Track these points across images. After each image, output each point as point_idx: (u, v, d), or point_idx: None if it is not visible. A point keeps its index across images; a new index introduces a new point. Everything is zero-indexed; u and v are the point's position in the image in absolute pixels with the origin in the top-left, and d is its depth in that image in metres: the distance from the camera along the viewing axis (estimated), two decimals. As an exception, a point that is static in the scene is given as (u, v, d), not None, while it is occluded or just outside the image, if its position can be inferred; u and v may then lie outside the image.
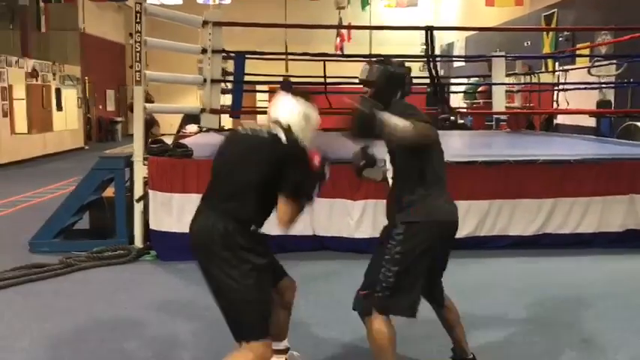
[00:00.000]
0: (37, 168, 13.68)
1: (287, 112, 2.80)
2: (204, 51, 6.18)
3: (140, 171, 5.70)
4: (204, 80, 6.19)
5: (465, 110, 13.31)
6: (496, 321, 4.09)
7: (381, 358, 2.85)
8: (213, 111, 6.22)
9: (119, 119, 23.11)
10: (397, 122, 2.64)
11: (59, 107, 16.83)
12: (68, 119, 17.58)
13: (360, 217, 5.65)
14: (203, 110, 6.23)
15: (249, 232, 2.71)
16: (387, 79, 2.96)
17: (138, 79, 5.63)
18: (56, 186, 10.34)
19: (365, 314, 2.89)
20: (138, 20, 5.55)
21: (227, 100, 7.67)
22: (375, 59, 3.11)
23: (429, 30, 6.39)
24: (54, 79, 16.82)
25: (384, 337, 2.81)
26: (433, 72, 6.32)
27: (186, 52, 7.27)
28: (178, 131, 11.23)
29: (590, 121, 11.24)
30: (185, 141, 6.89)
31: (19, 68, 14.83)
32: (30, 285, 4.87)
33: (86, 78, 20.20)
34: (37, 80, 15.66)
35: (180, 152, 5.73)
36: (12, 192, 9.64)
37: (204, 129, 7.24)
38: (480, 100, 14.96)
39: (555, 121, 12.69)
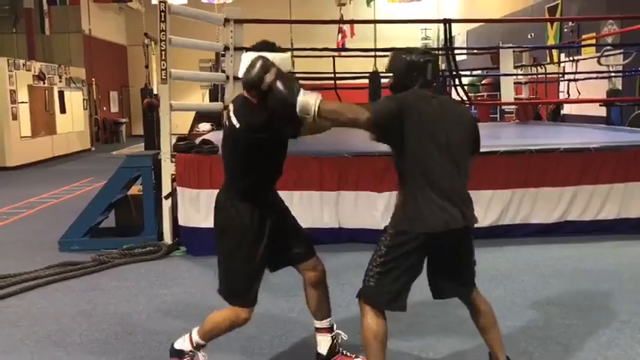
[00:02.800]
0: (48, 170, 13.73)
1: (241, 69, 2.87)
2: (226, 49, 6.24)
3: (168, 168, 5.77)
4: (227, 78, 6.24)
5: (477, 101, 13.29)
6: (531, 305, 4.17)
7: (367, 351, 2.81)
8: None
9: (123, 120, 23.22)
10: (309, 100, 2.60)
11: (62, 110, 16.74)
12: (74, 121, 17.60)
13: (385, 209, 5.70)
14: (226, 107, 6.27)
15: (243, 195, 2.93)
16: (405, 67, 2.86)
17: (164, 77, 5.69)
18: (71, 187, 10.39)
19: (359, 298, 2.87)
20: (163, 19, 5.60)
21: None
22: (400, 48, 3.01)
23: (447, 22, 6.47)
24: (59, 82, 16.85)
25: (369, 331, 2.78)
26: (452, 64, 6.40)
27: (209, 49, 7.35)
28: (191, 129, 11.35)
29: (599, 111, 11.31)
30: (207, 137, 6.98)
31: (27, 71, 14.89)
32: (67, 282, 4.94)
33: (93, 80, 20.25)
34: (44, 83, 15.69)
35: (206, 149, 5.81)
36: (28, 194, 9.69)
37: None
38: (484, 93, 15.03)
39: (562, 112, 12.78)
